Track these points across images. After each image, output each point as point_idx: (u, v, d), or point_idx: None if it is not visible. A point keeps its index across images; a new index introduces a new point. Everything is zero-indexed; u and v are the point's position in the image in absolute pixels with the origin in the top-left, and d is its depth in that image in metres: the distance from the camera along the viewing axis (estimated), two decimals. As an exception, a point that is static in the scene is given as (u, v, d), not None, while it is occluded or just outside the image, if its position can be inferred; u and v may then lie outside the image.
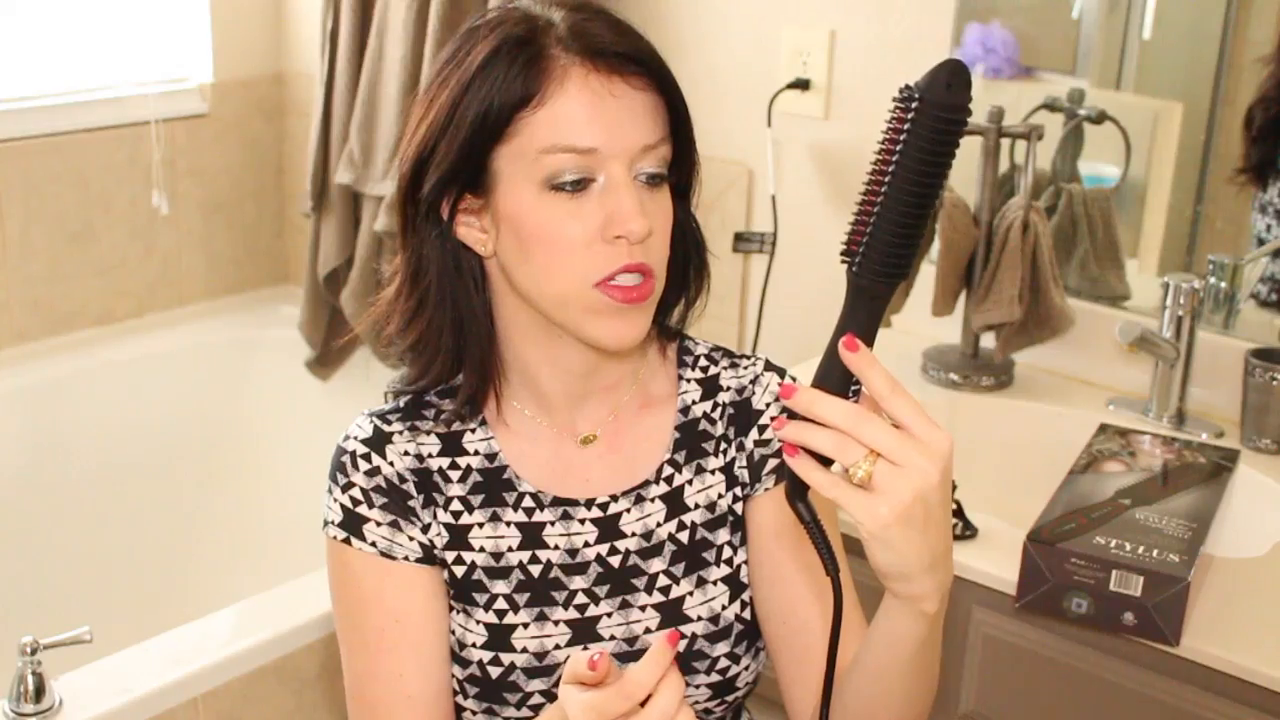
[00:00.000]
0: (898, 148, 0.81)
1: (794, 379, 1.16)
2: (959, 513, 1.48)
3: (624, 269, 1.01)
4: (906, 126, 0.81)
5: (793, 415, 0.85)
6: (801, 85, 2.10)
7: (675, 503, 1.15)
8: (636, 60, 1.02)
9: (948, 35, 1.97)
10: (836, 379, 0.86)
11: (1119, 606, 1.30)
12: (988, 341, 1.92)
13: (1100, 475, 1.50)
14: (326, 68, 2.49)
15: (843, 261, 0.85)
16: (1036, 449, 1.78)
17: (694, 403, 1.17)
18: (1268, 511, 1.58)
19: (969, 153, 1.85)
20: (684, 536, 1.14)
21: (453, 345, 1.09)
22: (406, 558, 1.10)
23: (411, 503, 1.11)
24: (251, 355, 2.74)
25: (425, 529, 1.11)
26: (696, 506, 1.15)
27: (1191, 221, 1.85)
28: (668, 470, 1.15)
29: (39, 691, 1.55)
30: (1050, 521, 1.37)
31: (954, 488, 1.49)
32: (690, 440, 1.16)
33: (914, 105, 0.81)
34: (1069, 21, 1.94)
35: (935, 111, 0.80)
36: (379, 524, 1.10)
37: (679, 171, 1.09)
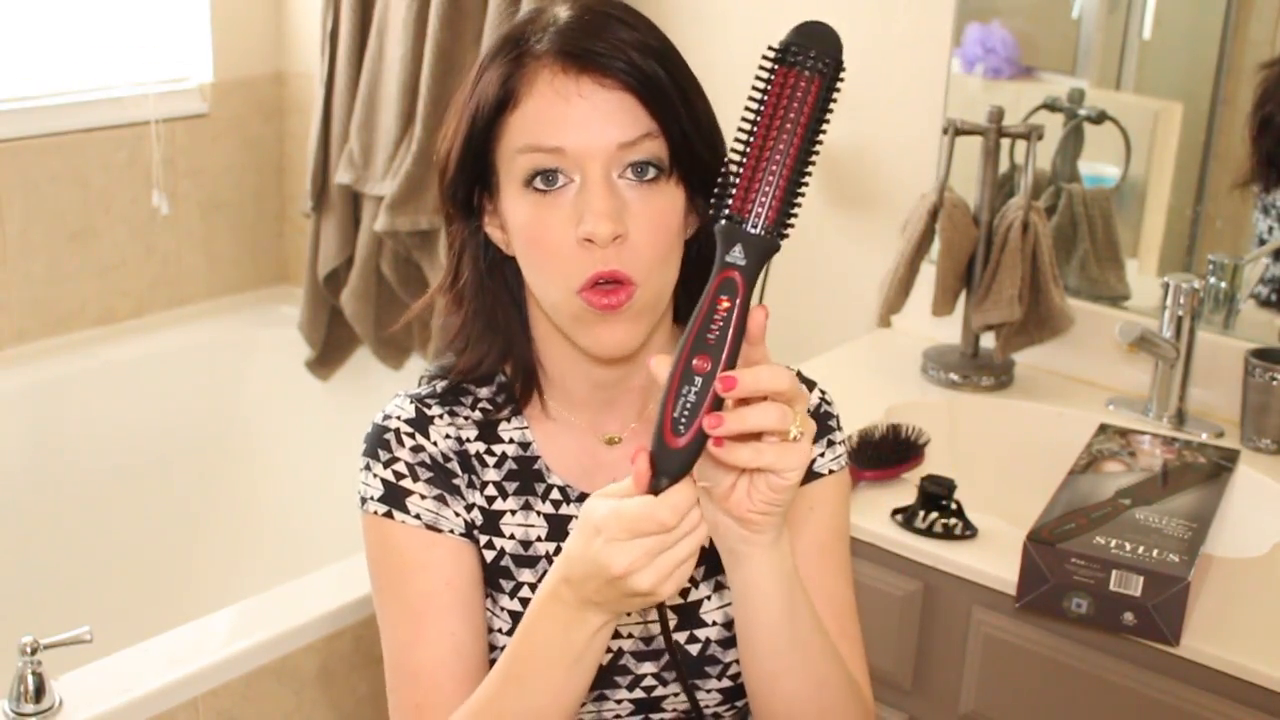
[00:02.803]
0: (794, 104, 0.85)
1: (823, 392, 1.16)
2: (959, 513, 1.48)
3: (595, 277, 1.00)
4: (813, 84, 0.85)
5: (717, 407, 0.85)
6: (801, 85, 2.09)
7: None
8: (606, 57, 1.01)
9: (948, 35, 1.97)
10: (729, 352, 0.86)
11: (1119, 606, 1.30)
12: (988, 341, 1.92)
13: (1100, 475, 1.50)
14: (326, 68, 2.49)
15: (733, 223, 0.87)
16: (1036, 449, 1.78)
17: None
18: (1268, 511, 1.58)
19: (969, 153, 1.85)
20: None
21: (494, 339, 1.10)
22: (452, 531, 1.10)
23: (456, 480, 1.11)
24: (251, 355, 2.74)
25: (469, 508, 1.11)
26: None
27: (1191, 221, 1.85)
28: None
29: (39, 691, 1.55)
30: (1050, 521, 1.37)
31: (954, 488, 1.50)
32: None
33: (822, 64, 0.84)
34: (1069, 21, 1.94)
35: (837, 69, 0.85)
36: (424, 497, 1.09)
37: (693, 166, 1.06)
